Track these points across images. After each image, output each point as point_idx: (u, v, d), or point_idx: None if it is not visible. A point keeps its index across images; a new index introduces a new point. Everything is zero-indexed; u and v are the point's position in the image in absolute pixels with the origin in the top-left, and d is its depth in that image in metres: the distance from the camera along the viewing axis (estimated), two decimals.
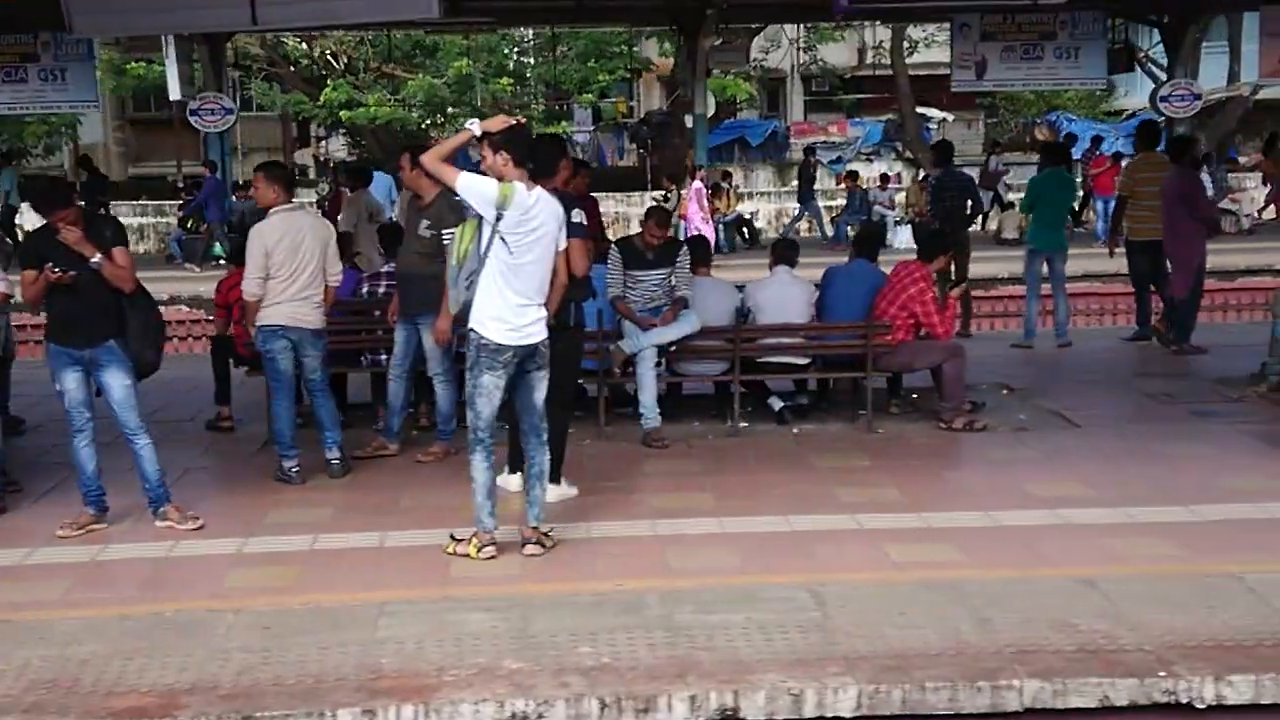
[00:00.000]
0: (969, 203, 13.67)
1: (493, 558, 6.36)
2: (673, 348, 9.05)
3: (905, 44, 35.41)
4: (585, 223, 7.22)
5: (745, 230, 27.64)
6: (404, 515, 7.18)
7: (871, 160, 39.46)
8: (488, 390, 6.28)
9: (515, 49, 36.99)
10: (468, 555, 6.37)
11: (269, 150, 40.20)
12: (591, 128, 41.13)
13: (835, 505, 7.27)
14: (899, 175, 33.36)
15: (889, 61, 36.16)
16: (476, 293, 6.26)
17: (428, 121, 34.14)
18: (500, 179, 6.25)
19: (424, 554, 6.48)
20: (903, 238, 24.06)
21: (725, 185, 27.67)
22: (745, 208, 32.12)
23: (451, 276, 6.43)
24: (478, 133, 6.29)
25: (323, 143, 41.10)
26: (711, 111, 38.54)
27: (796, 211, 29.32)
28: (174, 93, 21.77)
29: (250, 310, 7.69)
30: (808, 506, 7.24)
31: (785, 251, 9.49)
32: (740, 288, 9.49)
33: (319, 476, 7.91)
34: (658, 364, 9.23)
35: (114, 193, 30.69)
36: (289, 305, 7.60)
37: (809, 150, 32.68)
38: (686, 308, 8.91)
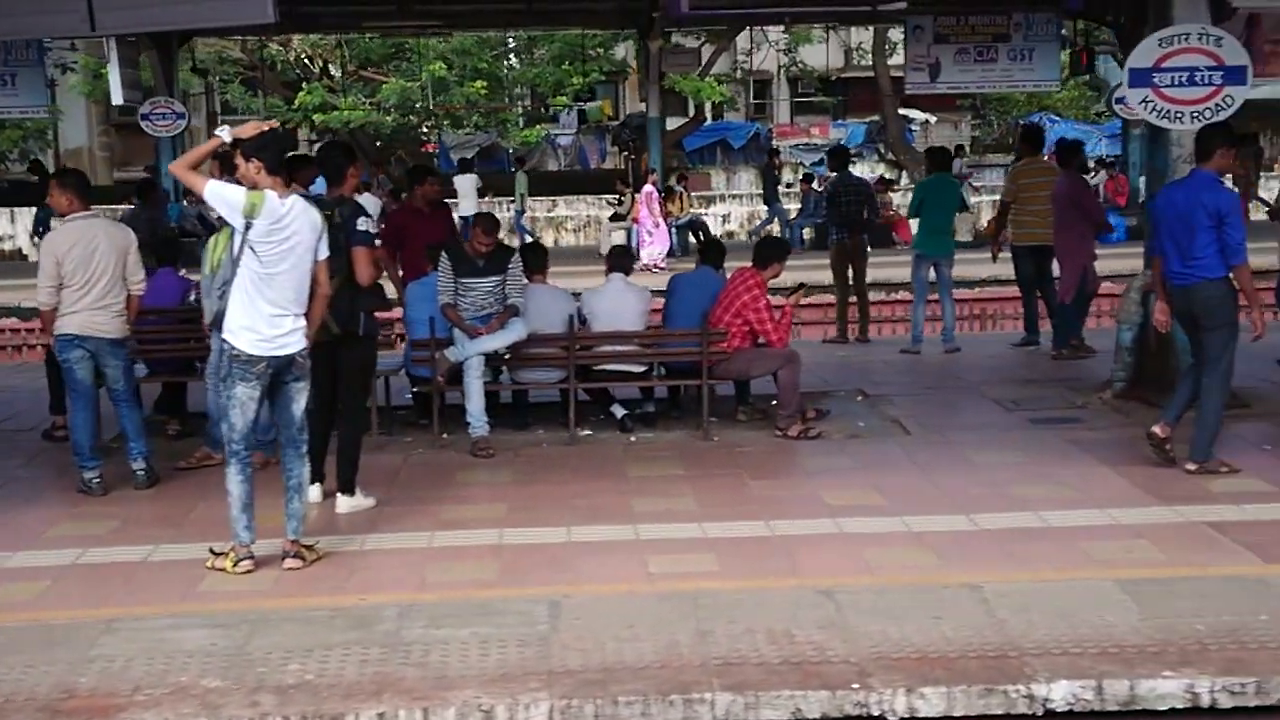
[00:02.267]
0: (865, 209, 13.64)
1: (250, 571, 6.34)
2: (506, 355, 9.04)
3: (886, 45, 35.30)
4: (372, 231, 7.20)
5: (700, 233, 27.56)
6: (189, 527, 7.16)
7: (854, 162, 39.36)
8: (241, 402, 6.27)
9: (491, 53, 37.00)
10: (224, 569, 6.35)
11: None
12: (574, 130, 41.23)
13: (626, 516, 7.23)
14: (881, 177, 33.30)
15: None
16: (229, 302, 6.26)
17: (416, 117, 34.30)
18: (254, 187, 6.24)
19: (184, 568, 6.46)
20: None
21: (679, 188, 27.59)
22: (719, 210, 32.17)
23: (205, 286, 6.44)
24: (228, 140, 6.28)
25: (312, 146, 41.07)
26: (693, 114, 38.76)
27: (766, 214, 29.30)
28: (116, 97, 21.72)
29: (45, 319, 7.70)
30: (598, 517, 7.22)
31: (619, 259, 9.48)
32: (576, 295, 9.48)
33: (125, 487, 7.90)
34: (499, 372, 9.26)
35: (95, 197, 30.70)
36: (85, 314, 7.59)
37: (773, 152, 32.68)
38: (517, 315, 8.89)
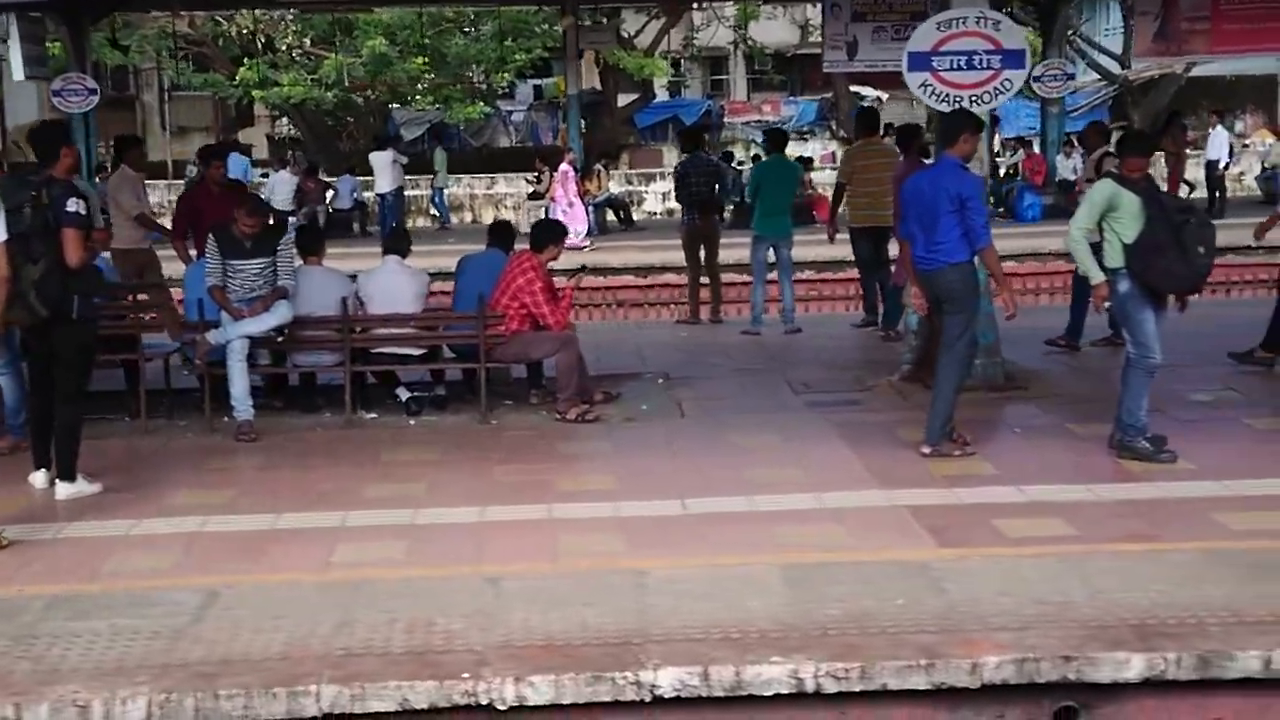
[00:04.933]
0: (715, 189, 13.50)
1: None
2: (279, 338, 8.89)
3: None
4: (81, 212, 7.02)
5: (620, 212, 27.44)
6: None
7: (806, 139, 39.30)
8: None
9: (435, 29, 36.64)
10: None
11: (207, 130, 39.83)
12: (525, 107, 41.02)
13: (348, 502, 7.09)
14: (799, 158, 33.26)
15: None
16: None
17: (356, 95, 34.01)
18: None
19: None
20: None
21: (598, 167, 27.41)
22: (660, 187, 31.95)
23: None
24: None
25: (276, 122, 40.69)
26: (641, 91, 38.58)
27: None
28: (17, 74, 21.31)
29: None
30: (317, 504, 7.08)
31: (396, 241, 9.33)
32: (353, 277, 9.33)
33: None
34: (282, 356, 9.13)
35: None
36: None
37: (705, 129, 32.49)
38: (285, 298, 8.73)
